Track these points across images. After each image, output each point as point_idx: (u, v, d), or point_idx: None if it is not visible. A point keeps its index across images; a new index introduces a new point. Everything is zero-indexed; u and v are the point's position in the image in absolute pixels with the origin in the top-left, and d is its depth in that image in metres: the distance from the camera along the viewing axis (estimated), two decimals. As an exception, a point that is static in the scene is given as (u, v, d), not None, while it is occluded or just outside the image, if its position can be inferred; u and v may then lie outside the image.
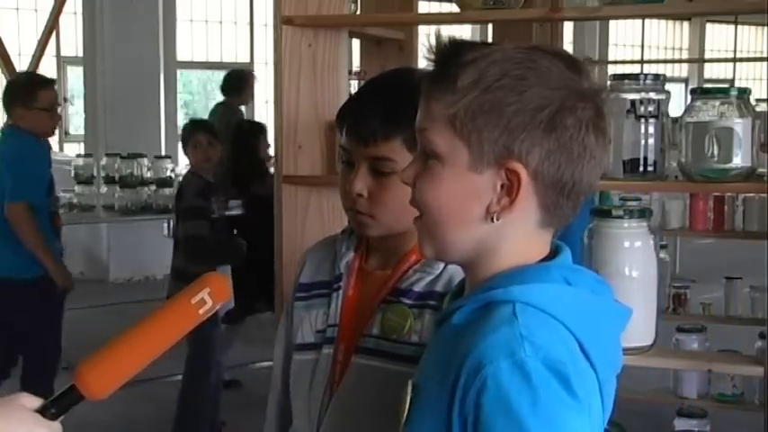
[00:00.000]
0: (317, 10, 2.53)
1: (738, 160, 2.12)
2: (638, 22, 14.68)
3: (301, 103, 2.52)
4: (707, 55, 16.47)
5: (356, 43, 3.53)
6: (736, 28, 16.13)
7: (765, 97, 3.81)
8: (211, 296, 1.16)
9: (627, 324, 1.23)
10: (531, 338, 1.08)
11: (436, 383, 1.14)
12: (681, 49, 16.73)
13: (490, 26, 4.80)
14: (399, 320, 1.56)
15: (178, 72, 11.76)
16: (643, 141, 2.16)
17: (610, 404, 1.20)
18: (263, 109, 12.93)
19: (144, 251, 8.49)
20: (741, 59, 15.65)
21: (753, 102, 2.32)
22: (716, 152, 2.12)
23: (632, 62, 11.75)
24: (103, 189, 6.68)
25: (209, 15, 12.80)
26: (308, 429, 1.63)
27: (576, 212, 1.20)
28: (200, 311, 1.15)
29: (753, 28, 16.78)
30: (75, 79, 11.24)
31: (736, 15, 12.92)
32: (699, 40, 16.47)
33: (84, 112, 9.55)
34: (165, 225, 10.12)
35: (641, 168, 2.17)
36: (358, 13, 2.96)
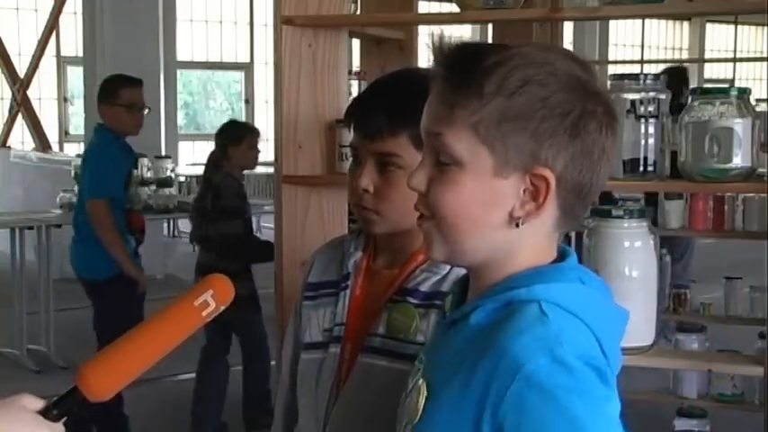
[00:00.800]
0: (317, 10, 2.53)
1: (738, 160, 2.12)
2: (638, 22, 14.68)
3: (301, 103, 2.52)
4: (707, 55, 16.48)
5: (356, 43, 3.53)
6: (736, 28, 16.13)
7: (765, 97, 3.80)
8: (215, 298, 1.15)
9: (626, 326, 1.24)
10: (565, 336, 1.09)
11: (457, 385, 1.13)
12: (681, 49, 16.74)
13: (490, 26, 4.79)
14: (405, 320, 1.57)
15: (178, 72, 11.78)
16: (643, 141, 2.16)
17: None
18: (263, 109, 12.95)
19: (144, 251, 8.47)
20: (741, 59, 15.66)
21: (753, 102, 2.31)
22: (716, 152, 2.12)
23: (632, 62, 11.75)
24: (103, 189, 6.67)
25: (209, 15, 12.81)
26: (314, 428, 1.64)
27: (587, 213, 1.21)
28: (203, 314, 1.15)
29: (753, 28, 16.78)
30: (75, 79, 11.24)
31: (736, 15, 12.92)
32: (699, 40, 16.48)
33: (84, 112, 9.55)
34: (166, 225, 10.15)
35: (641, 168, 2.17)
36: (358, 13, 2.96)
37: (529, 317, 1.11)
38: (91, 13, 9.04)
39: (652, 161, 2.17)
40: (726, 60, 16.15)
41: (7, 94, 11.26)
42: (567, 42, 12.14)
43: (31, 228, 6.29)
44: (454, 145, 1.14)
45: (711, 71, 16.28)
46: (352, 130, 1.63)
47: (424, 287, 1.58)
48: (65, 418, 1.13)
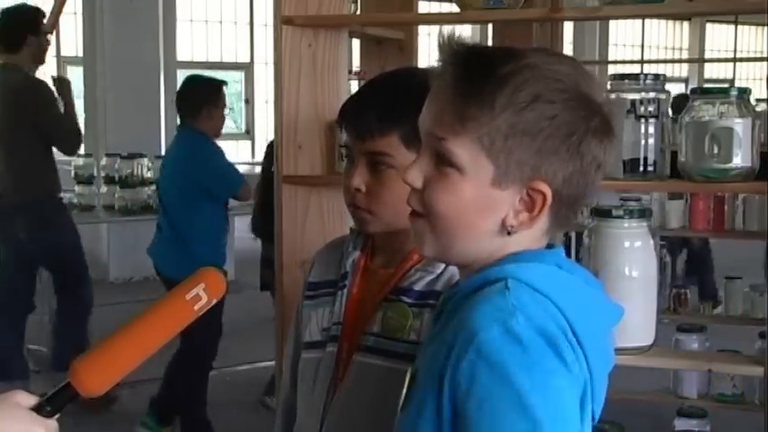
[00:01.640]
0: (317, 10, 2.53)
1: (738, 160, 2.12)
2: (638, 21, 14.68)
3: (301, 103, 2.52)
4: (707, 55, 16.47)
5: (356, 43, 3.53)
6: (736, 28, 16.13)
7: (765, 97, 3.80)
8: (206, 292, 1.15)
9: (618, 322, 1.25)
10: (522, 309, 1.11)
11: (431, 362, 1.16)
12: (681, 49, 16.73)
13: (490, 26, 4.80)
14: (399, 319, 1.58)
15: (178, 72, 11.77)
16: (643, 141, 2.16)
17: (601, 399, 1.22)
18: (263, 109, 12.95)
19: (144, 251, 8.47)
20: (741, 59, 15.64)
21: (753, 102, 2.32)
22: (716, 152, 2.12)
23: (632, 62, 11.73)
24: (103, 189, 6.69)
25: (209, 15, 12.81)
26: (312, 426, 1.65)
27: (576, 219, 1.25)
28: (195, 307, 1.15)
29: (753, 28, 16.77)
30: (75, 79, 11.21)
31: (737, 15, 12.92)
32: (699, 40, 16.47)
33: (84, 112, 9.53)
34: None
35: (641, 168, 2.17)
36: (358, 13, 2.96)
37: (492, 291, 1.14)
38: (91, 14, 9.04)
39: (652, 161, 2.17)
40: (726, 60, 16.14)
41: (7, 94, 11.25)
42: (567, 42, 12.14)
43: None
44: (457, 152, 1.16)
45: (711, 71, 16.28)
46: (344, 130, 1.64)
47: (419, 286, 1.59)
48: (58, 414, 1.13)
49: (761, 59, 13.75)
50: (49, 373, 5.49)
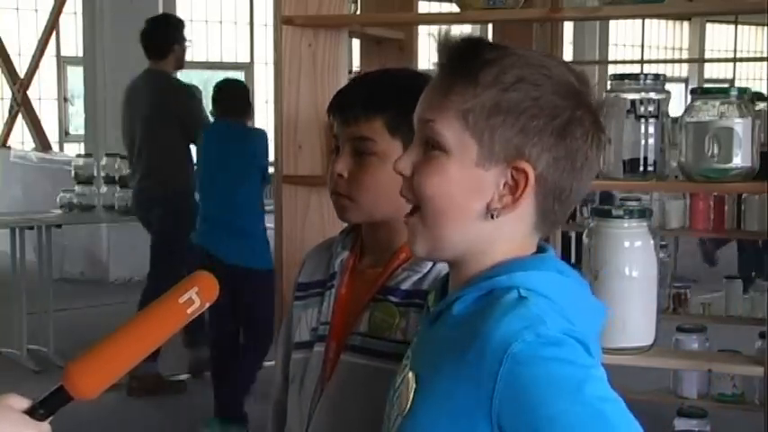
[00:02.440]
0: (317, 10, 2.53)
1: (738, 160, 2.12)
2: (638, 21, 14.66)
3: (301, 103, 2.52)
4: (707, 55, 16.46)
5: (356, 43, 3.53)
6: (736, 28, 16.11)
7: (765, 97, 3.80)
8: (199, 295, 1.15)
9: (604, 320, 1.26)
10: (546, 316, 1.12)
11: (446, 373, 1.15)
12: (681, 49, 16.72)
13: (490, 26, 4.80)
14: (386, 318, 1.58)
15: (178, 72, 11.77)
16: (643, 141, 2.16)
17: None
18: (263, 109, 12.94)
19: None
20: (741, 59, 15.63)
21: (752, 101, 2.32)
22: (716, 152, 2.12)
23: (632, 62, 11.72)
24: (103, 189, 6.68)
25: (209, 15, 12.80)
26: (299, 426, 1.65)
27: (566, 219, 1.25)
28: (188, 311, 1.14)
29: (753, 28, 16.76)
30: (75, 79, 11.23)
31: (737, 15, 12.91)
32: (699, 40, 16.46)
33: (85, 112, 9.55)
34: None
35: (641, 168, 2.17)
36: (358, 13, 2.96)
37: (508, 302, 1.14)
38: (91, 13, 9.03)
39: (652, 161, 2.17)
40: (726, 60, 16.13)
41: (7, 94, 11.25)
42: (567, 42, 12.14)
43: (31, 228, 6.28)
44: (443, 132, 1.17)
45: (711, 71, 16.28)
46: (332, 119, 1.65)
47: (405, 285, 1.59)
48: (51, 417, 1.12)
49: (761, 59, 13.76)
50: (48, 372, 5.50)
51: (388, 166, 1.56)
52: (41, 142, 10.80)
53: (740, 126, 2.12)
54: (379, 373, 1.53)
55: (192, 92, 5.94)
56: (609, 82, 2.23)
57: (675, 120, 2.24)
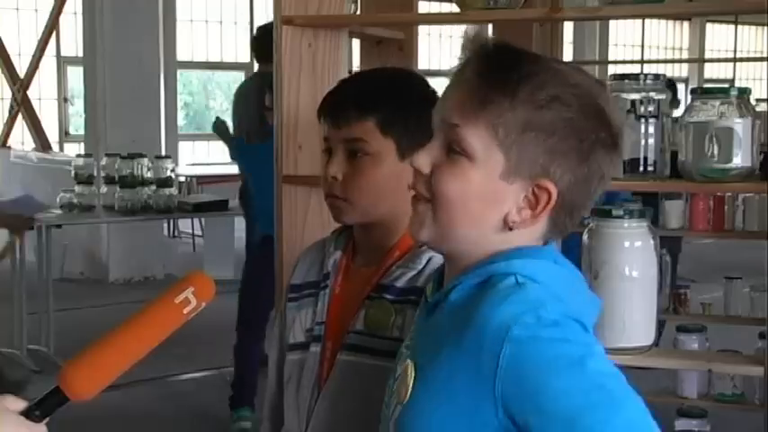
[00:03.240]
0: (317, 10, 2.53)
1: (738, 160, 2.12)
2: (639, 22, 14.67)
3: (301, 103, 2.52)
4: (707, 55, 16.46)
5: (356, 43, 3.53)
6: (736, 28, 16.13)
7: (765, 97, 3.80)
8: (195, 295, 1.14)
9: (598, 315, 1.27)
10: (544, 300, 1.14)
11: (445, 360, 1.16)
12: (681, 49, 16.72)
13: (490, 26, 4.80)
14: (382, 316, 1.59)
15: (178, 72, 11.77)
16: (643, 141, 2.16)
17: None
18: (263, 109, 12.92)
19: (144, 251, 8.48)
20: (741, 59, 15.64)
21: (753, 102, 2.31)
22: (716, 152, 2.12)
23: (632, 62, 11.73)
24: (103, 189, 6.68)
25: (209, 15, 12.80)
26: (298, 426, 1.65)
27: (575, 228, 1.28)
28: (185, 311, 1.14)
29: (753, 28, 16.77)
30: (75, 79, 11.23)
31: (737, 15, 12.92)
32: (699, 40, 16.46)
33: (85, 112, 9.54)
34: (166, 225, 10.15)
35: (641, 168, 2.17)
36: (358, 13, 2.96)
37: (506, 287, 1.16)
38: (91, 13, 9.03)
39: (652, 161, 2.17)
40: (726, 60, 16.14)
41: (7, 94, 11.25)
42: (567, 42, 12.14)
43: (31, 228, 6.28)
44: (470, 139, 1.18)
45: (711, 71, 16.28)
46: (323, 122, 1.65)
47: (400, 283, 1.59)
48: (47, 419, 1.12)
49: (761, 59, 13.76)
50: (48, 373, 5.50)
51: (383, 167, 1.56)
52: (41, 142, 10.80)
53: (740, 126, 2.12)
54: (377, 371, 1.53)
55: None
56: (609, 82, 2.23)
57: (675, 120, 2.24)
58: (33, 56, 10.91)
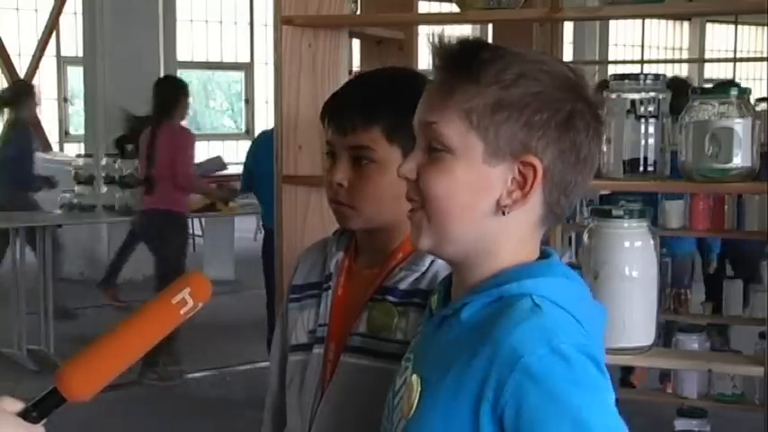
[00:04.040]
0: (317, 10, 2.53)
1: (738, 160, 2.12)
2: (639, 22, 14.68)
3: (301, 104, 2.52)
4: (707, 55, 16.47)
5: (356, 43, 3.53)
6: (736, 28, 16.13)
7: (766, 97, 3.80)
8: (192, 296, 1.14)
9: (605, 323, 1.27)
10: (560, 327, 1.12)
11: (453, 378, 1.15)
12: (681, 49, 16.73)
13: (490, 26, 4.80)
14: (385, 318, 1.58)
15: (178, 72, 11.77)
16: (643, 141, 2.16)
17: None
18: (263, 109, 12.94)
19: (144, 251, 8.47)
20: (741, 59, 15.64)
21: (753, 102, 2.32)
22: (716, 152, 2.12)
23: (632, 62, 11.74)
24: (104, 189, 6.69)
25: (209, 15, 12.81)
26: (301, 428, 1.65)
27: (570, 212, 1.26)
28: (181, 312, 1.14)
29: (753, 28, 16.77)
30: (75, 79, 11.24)
31: (737, 15, 12.92)
32: (699, 40, 16.47)
33: (84, 112, 9.54)
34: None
35: (641, 168, 2.17)
36: (358, 13, 2.96)
37: (523, 310, 1.14)
38: (91, 13, 9.03)
39: (652, 161, 2.17)
40: (726, 60, 16.13)
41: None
42: (568, 42, 12.14)
43: (31, 228, 6.29)
44: (446, 132, 1.18)
45: (711, 71, 16.28)
46: (327, 126, 1.64)
47: (403, 285, 1.59)
48: (45, 420, 1.11)
49: (761, 59, 13.76)
50: (48, 372, 5.50)
51: (388, 174, 1.56)
52: (41, 142, 10.80)
53: (740, 126, 2.12)
54: (380, 374, 1.52)
55: None
56: (609, 82, 2.23)
57: (675, 119, 2.24)
58: (33, 56, 10.91)
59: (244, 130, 13.48)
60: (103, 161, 6.81)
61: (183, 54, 11.89)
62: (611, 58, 13.82)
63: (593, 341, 1.17)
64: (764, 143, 2.38)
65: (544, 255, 1.25)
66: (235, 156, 13.18)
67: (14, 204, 6.58)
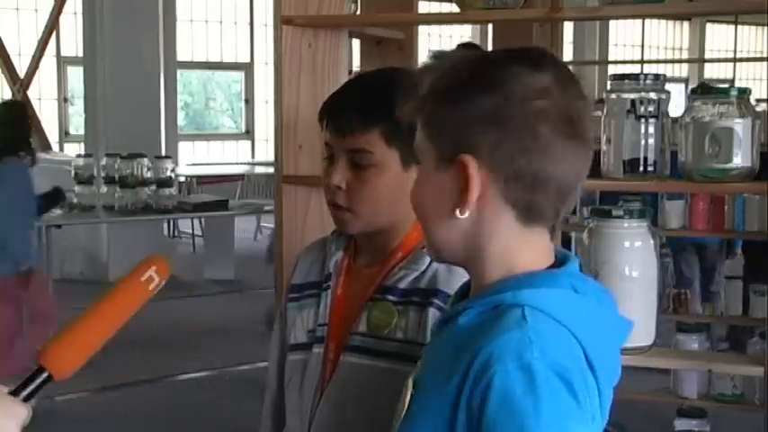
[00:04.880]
0: (317, 10, 2.53)
1: (738, 160, 2.12)
2: (639, 22, 14.67)
3: (301, 104, 2.52)
4: (707, 55, 16.47)
5: (356, 43, 3.54)
6: (736, 28, 16.12)
7: (765, 97, 3.80)
8: (157, 273, 1.24)
9: (628, 335, 1.24)
10: (539, 342, 1.10)
11: (440, 381, 1.15)
12: (681, 49, 16.73)
13: (490, 26, 4.80)
14: (385, 318, 1.58)
15: (178, 72, 11.78)
16: (643, 141, 2.16)
17: (606, 413, 1.21)
18: (263, 109, 12.95)
19: (144, 251, 8.45)
20: (741, 59, 15.64)
21: (753, 102, 2.31)
22: (716, 152, 2.12)
23: (632, 62, 11.74)
24: (103, 189, 6.69)
25: (209, 15, 12.81)
26: (300, 428, 1.65)
27: (564, 210, 1.21)
28: (150, 288, 1.24)
29: (753, 28, 16.77)
30: (75, 79, 11.24)
31: (737, 15, 12.91)
32: (699, 40, 16.47)
33: (85, 112, 9.54)
34: (165, 225, 10.16)
35: (641, 168, 2.17)
36: (358, 13, 2.96)
37: (509, 321, 1.13)
38: (91, 13, 9.03)
39: (652, 161, 2.17)
40: (726, 60, 16.13)
41: (7, 94, 11.25)
42: (568, 42, 12.14)
43: (31, 228, 6.28)
44: (415, 143, 1.23)
45: (711, 71, 16.28)
46: (325, 128, 1.64)
47: (403, 284, 1.59)
48: (33, 400, 1.16)
49: (761, 59, 13.77)
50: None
51: (386, 176, 1.56)
52: (41, 142, 10.79)
53: (740, 126, 2.12)
54: (380, 373, 1.53)
55: None
56: (609, 82, 2.23)
57: (675, 120, 2.24)
58: (33, 56, 10.91)
59: (244, 130, 13.49)
60: (103, 161, 6.81)
61: (183, 54, 11.90)
62: (611, 58, 13.83)
63: (595, 359, 1.14)
64: (764, 143, 2.38)
65: (563, 261, 1.22)
66: (235, 156, 13.21)
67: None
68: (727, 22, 16.07)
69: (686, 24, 16.56)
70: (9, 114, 5.28)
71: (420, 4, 3.50)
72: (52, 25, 10.76)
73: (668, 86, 2.22)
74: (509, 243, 1.19)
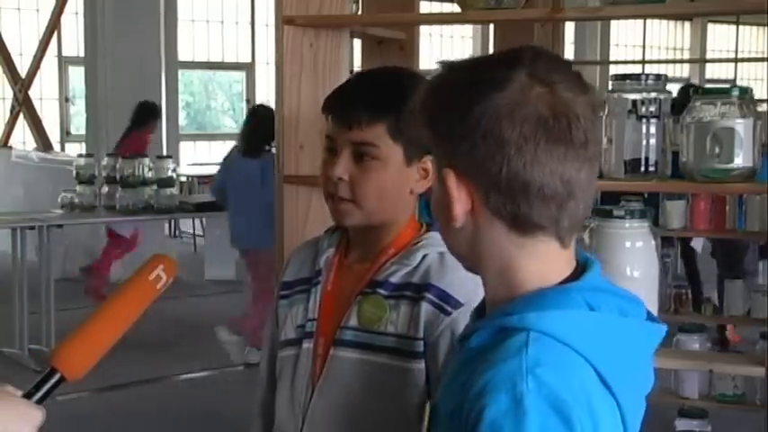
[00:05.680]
0: (319, 10, 2.53)
1: (740, 160, 2.12)
2: (640, 22, 14.68)
3: (302, 103, 2.52)
4: (708, 55, 16.45)
5: (357, 43, 3.54)
6: (737, 28, 16.12)
7: (766, 97, 3.80)
8: (165, 272, 1.25)
9: (660, 340, 1.19)
10: (536, 372, 1.05)
11: (449, 408, 1.14)
12: (682, 49, 16.72)
13: (491, 26, 4.80)
14: (376, 311, 1.59)
15: (179, 72, 11.77)
16: (644, 141, 2.16)
17: (636, 428, 1.16)
18: (264, 109, 12.92)
19: (144, 251, 8.48)
20: (742, 60, 15.63)
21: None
22: (717, 152, 2.12)
23: (634, 62, 11.74)
24: (105, 189, 6.69)
25: (210, 15, 12.80)
26: (292, 423, 1.65)
27: (566, 217, 1.15)
28: (158, 286, 1.24)
29: (754, 28, 16.77)
30: (76, 79, 11.24)
31: (738, 15, 12.92)
32: (700, 40, 16.46)
33: (86, 111, 9.56)
34: (167, 225, 10.16)
35: (642, 168, 2.17)
36: (359, 13, 2.96)
37: (510, 348, 1.09)
38: (92, 13, 9.04)
39: (653, 161, 2.17)
40: (727, 60, 16.13)
41: (9, 93, 11.26)
42: (569, 43, 12.14)
43: (32, 228, 6.29)
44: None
45: (713, 71, 16.27)
46: (329, 120, 1.63)
47: (395, 279, 1.60)
48: (45, 401, 1.16)
49: (762, 60, 13.76)
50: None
51: (389, 171, 1.57)
52: (43, 142, 10.81)
53: (741, 126, 2.12)
54: (371, 367, 1.54)
55: None
56: (610, 82, 2.23)
57: (677, 120, 2.24)
58: (35, 56, 10.91)
59: (245, 130, 13.48)
60: (104, 161, 6.81)
61: (184, 54, 11.89)
62: (612, 58, 13.82)
63: (612, 380, 1.09)
64: (766, 143, 2.37)
65: (584, 268, 1.20)
66: (236, 156, 13.18)
67: None
68: (729, 23, 16.07)
69: (687, 24, 16.55)
70: (270, 112, 6.07)
71: (421, 4, 3.50)
72: (53, 25, 10.76)
73: (669, 86, 2.22)
74: (509, 254, 1.15)
